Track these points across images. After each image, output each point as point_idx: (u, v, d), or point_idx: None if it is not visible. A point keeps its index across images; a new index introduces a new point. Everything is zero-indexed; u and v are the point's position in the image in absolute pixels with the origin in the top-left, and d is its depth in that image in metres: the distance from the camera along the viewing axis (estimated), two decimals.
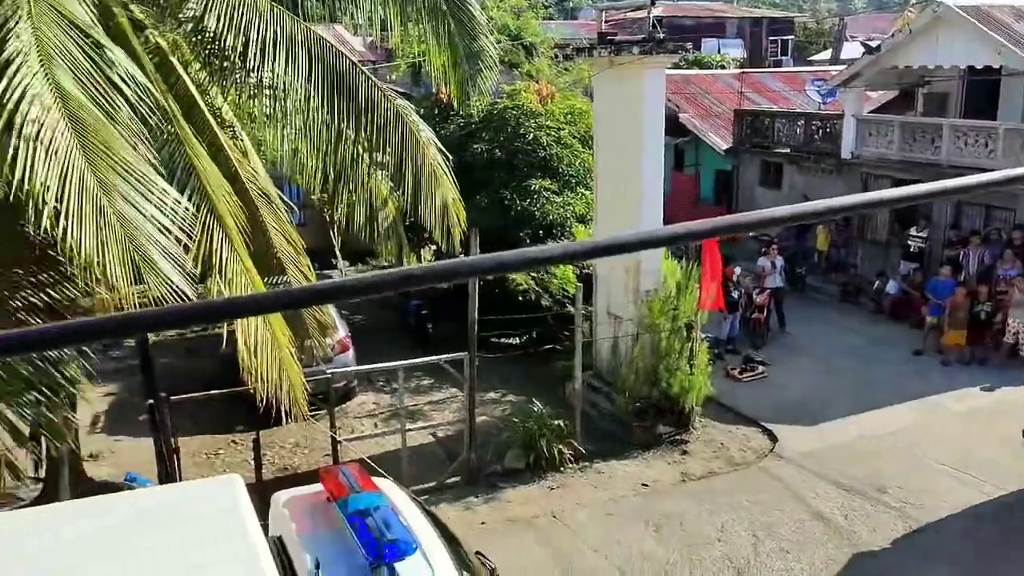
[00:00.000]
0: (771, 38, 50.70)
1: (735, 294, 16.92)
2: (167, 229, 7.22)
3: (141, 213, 7.17)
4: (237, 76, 10.14)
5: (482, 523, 11.21)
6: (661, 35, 13.55)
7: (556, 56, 22.09)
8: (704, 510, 11.47)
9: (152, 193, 7.34)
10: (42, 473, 11.25)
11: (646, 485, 12.25)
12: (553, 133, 17.32)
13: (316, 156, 10.26)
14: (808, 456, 12.86)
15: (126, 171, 7.26)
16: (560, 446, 12.49)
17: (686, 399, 13.39)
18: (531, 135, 17.13)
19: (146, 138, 8.00)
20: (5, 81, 6.89)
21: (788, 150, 23.91)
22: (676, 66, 24.20)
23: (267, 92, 10.05)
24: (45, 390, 8.32)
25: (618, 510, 11.53)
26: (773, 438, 13.56)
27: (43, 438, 9.45)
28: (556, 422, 12.70)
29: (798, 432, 13.65)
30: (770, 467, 12.72)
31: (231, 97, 10.62)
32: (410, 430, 12.56)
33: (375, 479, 7.75)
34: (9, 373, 8.16)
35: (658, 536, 10.87)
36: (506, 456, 12.63)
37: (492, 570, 7.88)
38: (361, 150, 10.15)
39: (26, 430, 8.36)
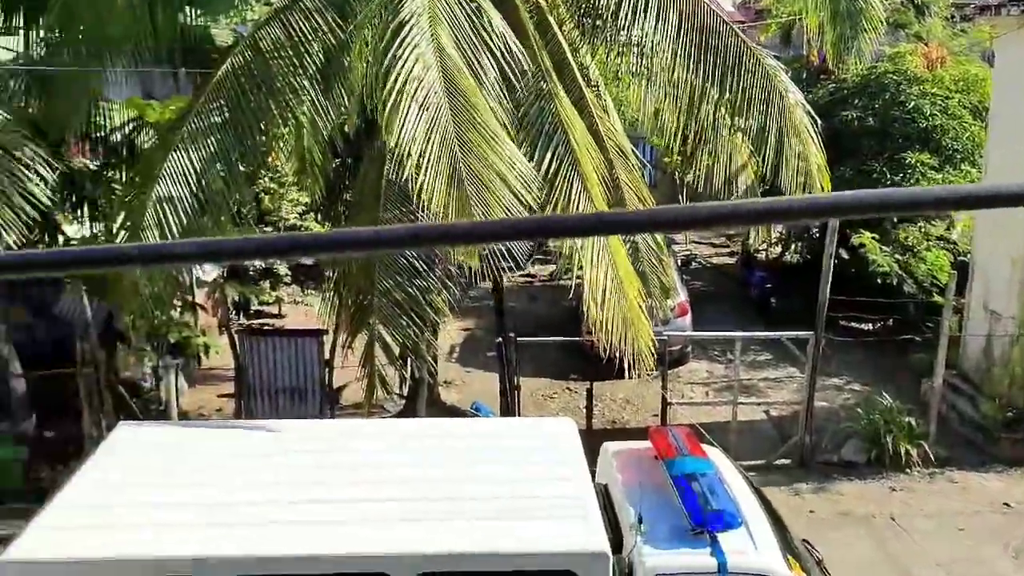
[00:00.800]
0: None
1: None
2: (514, 187, 7.67)
3: (494, 171, 7.66)
4: (607, 34, 10.36)
5: (810, 511, 10.64)
6: None
7: (952, 16, 19.72)
8: None
9: (505, 153, 7.80)
10: (405, 391, 12.66)
11: (1009, 505, 10.78)
12: (939, 102, 15.55)
13: (676, 116, 10.17)
14: None
15: (485, 131, 7.78)
16: (908, 446, 11.40)
17: None
18: (912, 103, 15.54)
19: (507, 98, 8.51)
20: (398, 40, 7.66)
21: None
22: None
23: (635, 50, 10.16)
24: (415, 316, 9.30)
25: (971, 526, 10.30)
26: None
27: (409, 359, 10.60)
28: (907, 419, 11.61)
29: None
30: None
31: (599, 55, 10.89)
32: (742, 403, 12.22)
33: (704, 446, 7.65)
34: (389, 300, 9.23)
35: (1018, 563, 9.55)
36: (844, 446, 11.83)
37: (819, 561, 7.45)
38: (724, 111, 9.89)
39: (396, 351, 9.43)
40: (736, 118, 9.93)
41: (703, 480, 6.66)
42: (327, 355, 11.88)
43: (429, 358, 10.75)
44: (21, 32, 11.13)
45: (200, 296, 13.61)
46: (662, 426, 9.73)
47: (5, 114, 9.66)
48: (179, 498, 6.12)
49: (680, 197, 19.99)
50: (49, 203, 9.70)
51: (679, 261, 19.16)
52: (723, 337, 13.37)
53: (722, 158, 10.32)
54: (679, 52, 9.42)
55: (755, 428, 12.68)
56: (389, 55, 7.59)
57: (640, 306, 8.55)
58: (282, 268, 15.25)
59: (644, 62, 9.95)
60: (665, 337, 11.42)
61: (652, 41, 9.51)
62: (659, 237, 10.11)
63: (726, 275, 20.05)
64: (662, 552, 6.18)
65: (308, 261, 15.31)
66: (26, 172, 9.28)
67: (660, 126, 10.56)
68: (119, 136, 11.71)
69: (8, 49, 11.67)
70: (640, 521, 6.19)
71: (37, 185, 9.32)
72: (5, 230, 8.94)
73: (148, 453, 6.84)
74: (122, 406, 11.16)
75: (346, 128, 9.90)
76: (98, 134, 11.52)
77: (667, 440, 7.34)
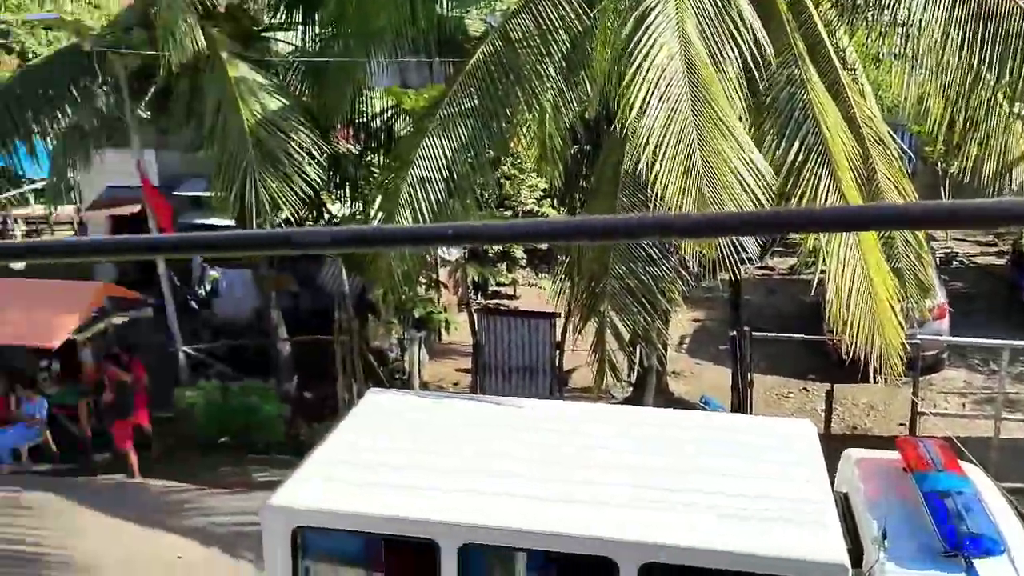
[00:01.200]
0: None
1: None
2: (747, 183, 7.38)
3: (729, 166, 7.40)
4: (869, 14, 9.69)
5: None
6: None
7: None
8: None
9: (742, 148, 7.51)
10: (633, 378, 12.64)
11: None
12: None
13: (943, 101, 9.33)
14: None
15: (724, 124, 7.52)
16: None
17: None
18: None
19: (748, 88, 8.17)
20: (642, 28, 7.59)
21: None
22: None
23: (899, 30, 9.43)
24: (647, 304, 9.25)
25: None
26: None
27: (638, 346, 10.57)
28: None
29: None
30: None
31: (858, 36, 10.22)
32: (1006, 419, 11.08)
33: (960, 462, 7.01)
34: (622, 286, 9.25)
35: None
36: None
37: None
38: (1001, 96, 8.94)
39: (627, 337, 9.42)
40: (1016, 104, 8.95)
41: (959, 498, 6.11)
42: (558, 337, 12.12)
43: (659, 346, 10.66)
44: (299, 28, 12.26)
45: (443, 275, 14.37)
46: (912, 436, 9.02)
47: (286, 101, 10.70)
48: (422, 462, 6.53)
49: (942, 190, 18.34)
50: (320, 183, 10.66)
51: (938, 259, 17.63)
52: (987, 344, 12.13)
53: (994, 148, 9.35)
54: (951, 31, 8.63)
55: (1020, 447, 11.43)
56: (633, 42, 7.57)
57: (891, 306, 7.96)
58: (519, 251, 15.73)
59: (909, 43, 9.21)
60: (918, 341, 10.57)
61: (920, 20, 8.78)
62: (919, 231, 9.36)
63: (992, 276, 18.20)
64: (909, 571, 5.72)
65: (544, 245, 15.70)
66: (301, 154, 10.26)
67: (923, 112, 9.75)
68: (378, 122, 12.62)
69: (288, 43, 12.90)
70: (885, 536, 5.78)
71: (311, 166, 10.27)
72: (283, 206, 9.93)
73: (395, 419, 7.34)
74: (370, 373, 12.05)
75: (587, 115, 10.01)
76: (360, 120, 12.47)
77: (918, 452, 6.79)
